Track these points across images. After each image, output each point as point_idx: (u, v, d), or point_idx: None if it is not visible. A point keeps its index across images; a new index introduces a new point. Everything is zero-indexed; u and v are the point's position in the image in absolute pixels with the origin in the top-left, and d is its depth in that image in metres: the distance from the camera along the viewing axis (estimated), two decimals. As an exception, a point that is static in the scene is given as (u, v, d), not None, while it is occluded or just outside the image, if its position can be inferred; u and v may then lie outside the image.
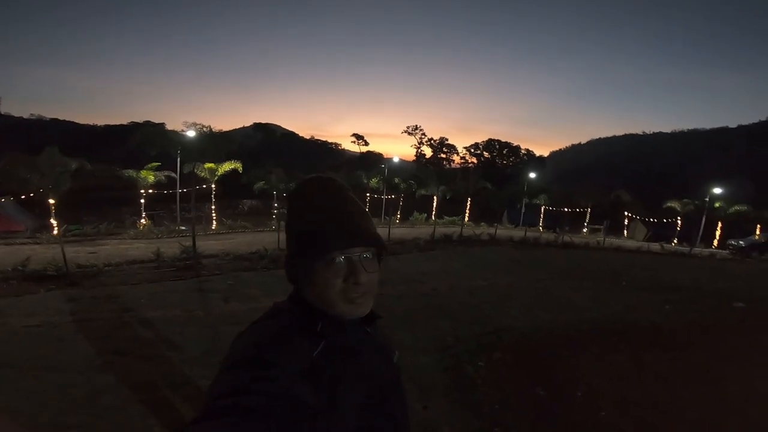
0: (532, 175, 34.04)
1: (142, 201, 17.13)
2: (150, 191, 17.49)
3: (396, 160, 31.90)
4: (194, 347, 4.58)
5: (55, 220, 10.72)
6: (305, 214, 0.81)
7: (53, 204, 9.37)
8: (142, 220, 16.51)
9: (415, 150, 74.50)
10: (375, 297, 0.82)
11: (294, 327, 0.75)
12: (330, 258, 0.76)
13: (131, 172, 16.59)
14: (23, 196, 13.32)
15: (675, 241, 24.73)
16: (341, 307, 0.77)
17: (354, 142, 74.91)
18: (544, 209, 28.04)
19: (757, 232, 24.47)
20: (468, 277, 9.66)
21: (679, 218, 25.62)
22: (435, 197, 24.49)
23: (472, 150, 73.53)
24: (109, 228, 15.13)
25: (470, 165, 68.46)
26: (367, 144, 75.04)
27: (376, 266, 0.81)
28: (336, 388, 0.70)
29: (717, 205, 24.44)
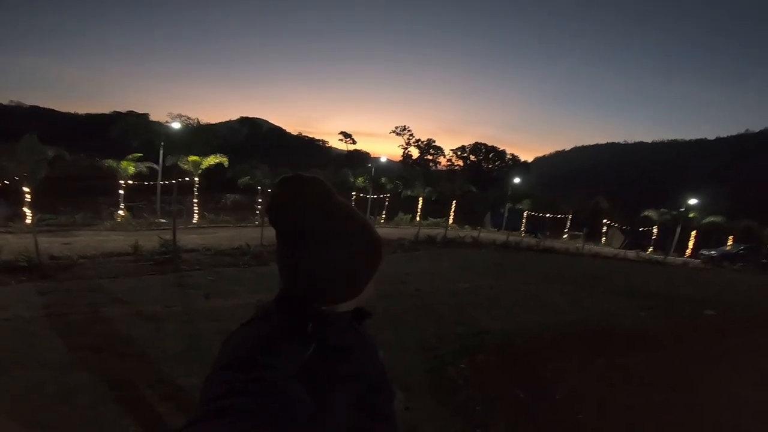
0: (517, 180, 34.53)
1: (121, 192, 16.68)
2: (130, 182, 17.05)
3: (383, 159, 31.94)
4: (173, 345, 4.46)
5: (30, 209, 10.34)
6: (341, 220, 0.81)
7: (28, 192, 9.04)
8: (120, 212, 16.07)
9: (403, 150, 74.75)
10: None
11: (285, 328, 0.75)
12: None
13: (111, 162, 16.14)
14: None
15: (650, 249, 25.45)
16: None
17: (341, 139, 74.84)
18: (527, 214, 28.47)
19: (729, 242, 25.41)
20: (451, 278, 9.72)
21: (655, 227, 26.35)
22: (421, 198, 24.63)
23: (459, 153, 74.27)
24: (85, 218, 14.67)
25: (456, 167, 69.12)
26: (354, 142, 75.06)
27: None
28: (329, 387, 0.71)
29: (692, 215, 25.25)
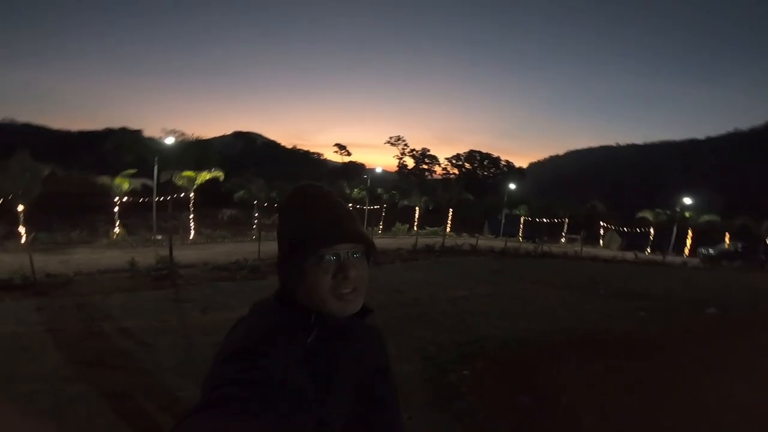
0: (512, 186, 34.69)
1: (116, 209, 16.61)
2: (125, 199, 16.99)
3: (379, 170, 32.10)
4: (169, 358, 4.42)
5: (24, 227, 10.28)
6: (296, 217, 0.84)
7: (22, 210, 9.00)
8: (116, 229, 15.99)
9: (398, 161, 75.01)
10: (365, 296, 0.84)
11: (287, 318, 0.77)
12: (319, 255, 0.78)
13: (105, 179, 16.11)
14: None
15: (648, 250, 25.50)
16: (332, 304, 0.78)
17: (337, 152, 75.02)
18: (524, 220, 28.54)
19: (727, 240, 25.49)
20: (449, 286, 9.69)
21: (651, 228, 26.45)
22: (417, 208, 24.66)
23: (454, 161, 74.55)
24: (80, 236, 14.59)
25: (452, 176, 69.36)
26: (349, 154, 75.28)
27: (365, 264, 0.83)
28: (330, 373, 0.73)
29: (687, 214, 25.38)
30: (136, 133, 12.45)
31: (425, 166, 74.98)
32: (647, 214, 25.82)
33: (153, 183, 17.00)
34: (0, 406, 0.32)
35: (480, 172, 73.44)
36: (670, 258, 21.93)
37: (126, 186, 16.26)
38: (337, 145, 75.44)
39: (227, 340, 0.75)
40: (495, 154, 75.08)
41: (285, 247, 0.83)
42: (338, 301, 0.78)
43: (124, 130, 12.34)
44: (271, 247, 11.39)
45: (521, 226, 28.85)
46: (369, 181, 26.13)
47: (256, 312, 0.82)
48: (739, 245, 23.32)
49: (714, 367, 5.26)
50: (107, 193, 16.50)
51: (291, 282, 0.81)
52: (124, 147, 9.58)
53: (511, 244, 20.87)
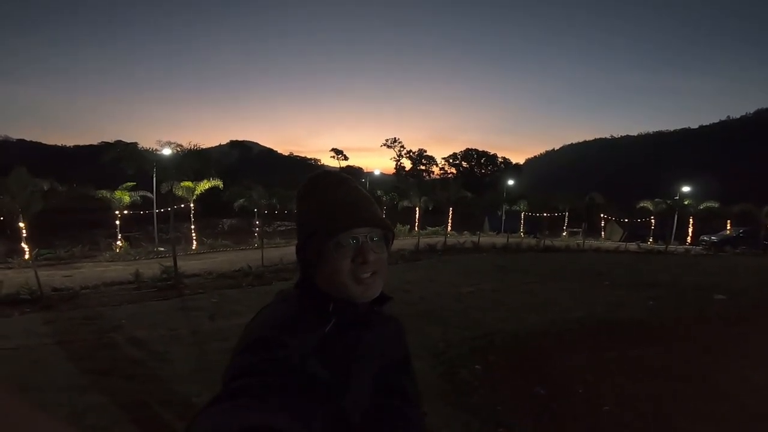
0: (510, 182, 34.69)
1: (118, 222, 16.58)
2: (125, 212, 16.96)
3: (377, 173, 32.10)
4: (181, 365, 4.41)
5: (27, 243, 10.26)
6: (313, 204, 0.84)
7: (24, 227, 8.98)
8: (119, 242, 15.96)
9: (395, 162, 75.07)
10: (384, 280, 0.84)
11: (304, 307, 0.77)
12: (338, 239, 0.78)
13: (105, 193, 16.07)
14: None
15: (650, 240, 25.49)
16: (352, 288, 0.78)
17: (333, 156, 75.10)
18: (524, 215, 28.53)
19: (728, 227, 25.50)
20: (454, 284, 9.69)
21: (652, 217, 26.45)
22: (417, 208, 24.63)
23: (451, 160, 74.69)
24: (83, 251, 14.56)
25: (450, 175, 69.39)
26: (346, 158, 75.39)
27: (384, 248, 0.83)
28: (348, 362, 0.72)
29: (687, 202, 25.38)
30: (133, 146, 12.44)
31: (423, 167, 75.08)
32: (647, 204, 25.81)
33: (152, 195, 16.99)
34: (18, 407, 0.32)
35: (477, 170, 73.56)
36: (673, 246, 21.93)
37: (126, 199, 16.22)
38: (333, 150, 75.51)
39: (246, 330, 0.75)
40: (491, 152, 75.20)
41: (304, 233, 0.83)
42: (359, 285, 0.78)
43: (119, 143, 12.31)
44: (273, 253, 11.39)
45: (522, 221, 28.85)
46: (368, 184, 26.14)
47: (277, 301, 0.82)
48: (741, 231, 23.33)
49: (729, 352, 5.26)
50: (107, 207, 16.46)
51: (311, 269, 0.82)
52: (122, 159, 9.55)
53: (512, 240, 20.86)
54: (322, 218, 0.80)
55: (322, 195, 0.84)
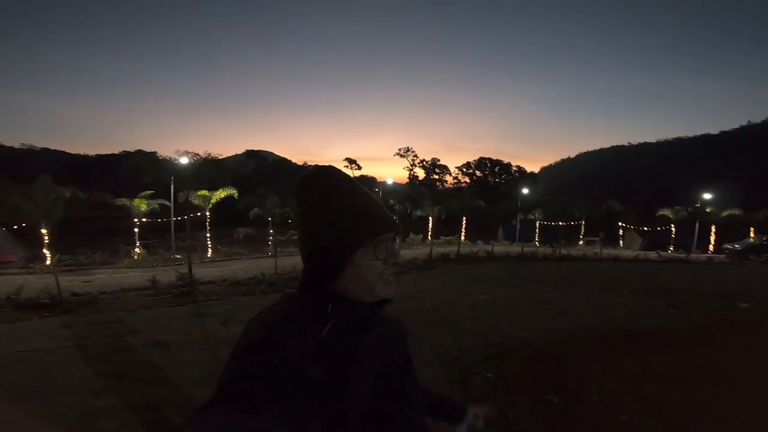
0: (525, 190, 34.35)
1: (136, 230, 16.97)
2: (144, 220, 17.35)
3: (390, 182, 32.20)
4: (194, 370, 4.44)
5: (48, 250, 10.58)
6: (337, 202, 0.82)
7: (46, 233, 9.26)
8: (137, 249, 16.32)
9: (408, 172, 75.17)
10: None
11: (303, 309, 0.76)
12: (375, 242, 0.80)
13: (124, 201, 16.49)
14: (15, 226, 13.18)
15: (671, 249, 24.86)
16: (380, 289, 0.81)
17: (347, 166, 75.52)
18: (539, 224, 28.16)
19: (752, 234, 24.73)
20: (468, 292, 9.58)
21: (672, 225, 25.82)
22: (430, 218, 24.57)
23: (464, 169, 74.45)
24: (103, 257, 14.95)
25: (463, 184, 69.12)
26: (359, 168, 75.78)
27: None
28: (347, 364, 0.71)
29: (709, 210, 24.74)
30: (152, 155, 12.79)
31: (436, 177, 74.98)
32: (667, 212, 25.22)
33: (170, 203, 17.36)
34: (5, 407, 0.32)
35: (491, 178, 73.14)
36: (695, 255, 21.34)
37: (144, 207, 16.61)
38: (347, 159, 76.01)
39: (244, 331, 0.74)
40: (505, 160, 74.75)
41: (330, 235, 0.80)
42: (386, 285, 0.81)
43: (140, 152, 12.68)
44: (286, 262, 11.46)
45: (537, 230, 28.48)
46: (381, 193, 26.22)
47: (279, 302, 0.81)
48: (765, 238, 22.61)
49: (755, 357, 5.09)
50: (127, 215, 16.88)
51: (331, 270, 0.80)
52: (141, 168, 9.83)
53: (527, 249, 20.59)
54: (355, 221, 0.80)
55: (344, 195, 0.83)
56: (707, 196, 26.27)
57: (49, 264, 10.47)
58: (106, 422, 3.24)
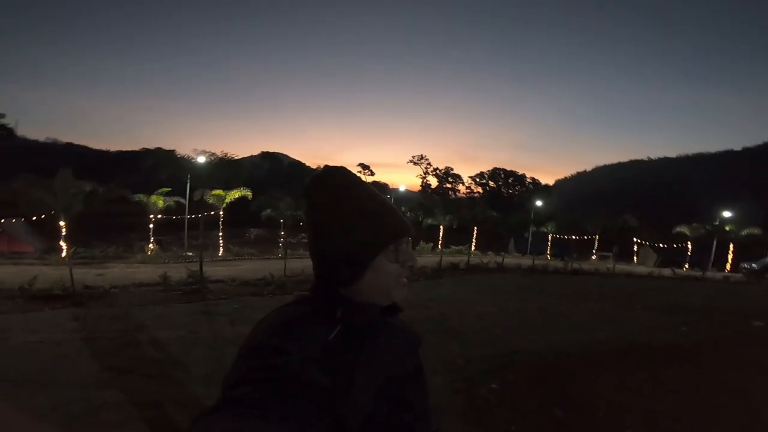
0: (539, 203, 33.99)
1: (151, 226, 17.28)
2: (159, 216, 17.66)
3: (402, 189, 32.17)
4: (200, 367, 4.47)
5: (65, 242, 10.83)
6: (353, 204, 0.81)
7: (63, 226, 9.48)
8: (151, 245, 16.59)
9: (421, 180, 75.09)
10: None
11: (311, 312, 0.76)
12: (395, 246, 0.81)
13: (141, 197, 16.82)
14: (34, 218, 13.52)
15: (686, 266, 24.31)
16: (396, 292, 0.81)
17: (360, 171, 75.77)
18: (552, 237, 27.80)
19: (770, 254, 24.05)
20: (477, 302, 9.50)
21: (689, 243, 25.26)
22: (441, 226, 24.47)
23: (478, 179, 74.11)
24: (117, 251, 15.22)
25: (476, 194, 68.77)
26: (372, 174, 75.93)
27: None
28: (351, 369, 0.70)
29: (728, 228, 24.18)
30: (171, 153, 13.06)
31: (449, 185, 74.75)
32: (684, 229, 24.70)
33: (185, 201, 17.66)
34: (7, 412, 0.33)
35: (505, 189, 72.66)
36: (711, 273, 20.83)
37: (161, 203, 16.91)
38: (360, 165, 76.31)
39: (251, 333, 0.74)
40: (519, 172, 74.21)
41: (351, 239, 0.78)
42: (402, 288, 0.82)
43: (160, 150, 12.96)
44: (296, 264, 11.51)
45: (549, 243, 28.13)
46: (393, 200, 26.23)
47: (288, 303, 0.80)
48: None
49: (763, 375, 4.95)
50: (143, 211, 17.21)
51: (352, 275, 0.78)
52: (161, 164, 10.05)
53: (538, 261, 20.35)
54: (381, 223, 0.80)
55: (361, 198, 0.82)
56: (727, 214, 25.67)
57: (65, 256, 10.70)
58: (107, 416, 3.27)
